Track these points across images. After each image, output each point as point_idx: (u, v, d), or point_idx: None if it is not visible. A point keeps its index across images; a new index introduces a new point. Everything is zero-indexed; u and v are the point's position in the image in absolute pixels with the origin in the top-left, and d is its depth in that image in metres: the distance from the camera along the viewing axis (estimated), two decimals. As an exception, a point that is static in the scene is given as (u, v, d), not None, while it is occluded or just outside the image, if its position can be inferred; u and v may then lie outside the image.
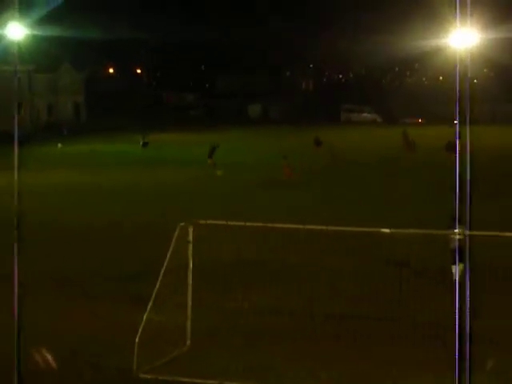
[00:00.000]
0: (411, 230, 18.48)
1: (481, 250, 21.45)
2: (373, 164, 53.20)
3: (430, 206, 35.12)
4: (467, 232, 16.36)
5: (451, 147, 45.83)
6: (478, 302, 19.27)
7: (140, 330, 16.20)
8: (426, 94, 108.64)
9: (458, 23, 15.06)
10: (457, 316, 14.13)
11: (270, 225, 18.56)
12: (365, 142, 70.48)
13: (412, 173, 48.19)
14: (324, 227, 18.06)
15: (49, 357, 11.50)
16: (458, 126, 14.03)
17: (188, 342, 17.63)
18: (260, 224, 18.73)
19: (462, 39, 16.14)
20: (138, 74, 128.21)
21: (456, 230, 16.76)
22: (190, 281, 17.83)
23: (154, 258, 21.04)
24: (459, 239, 18.35)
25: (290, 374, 16.01)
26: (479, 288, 20.73)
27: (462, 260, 18.68)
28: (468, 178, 13.71)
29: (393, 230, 17.65)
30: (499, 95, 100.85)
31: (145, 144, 70.10)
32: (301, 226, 18.73)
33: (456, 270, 18.44)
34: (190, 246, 17.74)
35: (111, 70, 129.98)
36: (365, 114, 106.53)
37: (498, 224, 22.02)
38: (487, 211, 33.21)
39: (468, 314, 14.18)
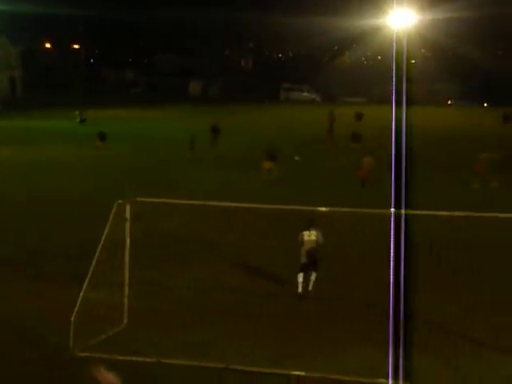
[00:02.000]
0: (347, 209, 18.59)
1: (418, 229, 21.83)
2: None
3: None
4: (403, 211, 16.61)
5: (356, 138, 46.60)
6: (414, 282, 19.64)
7: (76, 309, 16.09)
8: (366, 74, 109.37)
9: (395, 4, 15.19)
10: (391, 295, 14.30)
11: (208, 203, 18.55)
12: (296, 121, 70.61)
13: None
14: (265, 206, 18.16)
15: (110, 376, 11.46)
16: (393, 108, 14.16)
17: (125, 320, 17.56)
18: (198, 202, 18.71)
19: (400, 19, 16.32)
20: (76, 49, 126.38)
21: (392, 210, 17.01)
22: (127, 259, 17.75)
23: (92, 236, 20.86)
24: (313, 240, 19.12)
25: (228, 351, 16.05)
26: (416, 267, 21.09)
27: (315, 270, 19.54)
28: (403, 161, 13.86)
29: (329, 209, 17.77)
30: (436, 75, 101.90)
31: (82, 121, 69.32)
32: (240, 205, 18.80)
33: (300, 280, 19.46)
34: (128, 224, 17.64)
35: (48, 45, 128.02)
36: (304, 93, 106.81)
37: (432, 203, 22.23)
38: (422, 191, 33.76)
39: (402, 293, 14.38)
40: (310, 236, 19.76)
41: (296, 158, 43.55)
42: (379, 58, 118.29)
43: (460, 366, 15.34)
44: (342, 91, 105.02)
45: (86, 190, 34.37)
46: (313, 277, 19.79)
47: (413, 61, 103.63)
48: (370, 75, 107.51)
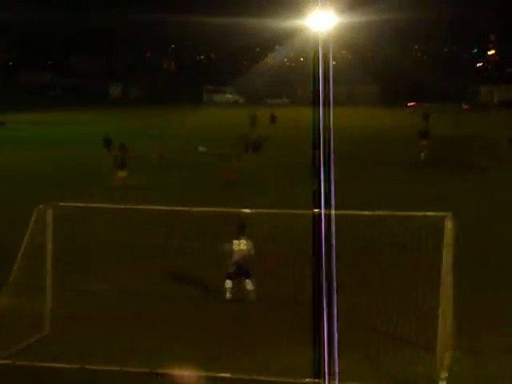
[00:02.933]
0: (272, 210, 18.63)
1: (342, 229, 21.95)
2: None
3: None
4: (332, 212, 16.73)
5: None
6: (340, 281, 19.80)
7: (-3, 315, 15.77)
8: (288, 75, 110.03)
9: (316, 5, 15.30)
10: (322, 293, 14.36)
11: (131, 206, 18.37)
12: (217, 123, 70.64)
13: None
14: (187, 208, 18.04)
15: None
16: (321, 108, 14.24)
17: (47, 327, 17.27)
18: (121, 206, 18.52)
19: (321, 21, 16.43)
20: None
21: (316, 210, 17.11)
22: (48, 264, 17.44)
23: (11, 242, 20.46)
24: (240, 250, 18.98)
25: (153, 356, 15.93)
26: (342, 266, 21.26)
27: (246, 276, 19.27)
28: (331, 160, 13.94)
29: (254, 210, 17.78)
30: (356, 77, 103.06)
31: (1, 124, 68.25)
32: (164, 208, 18.64)
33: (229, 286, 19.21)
34: (49, 229, 17.33)
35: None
36: (227, 95, 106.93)
37: (358, 203, 22.43)
38: (347, 191, 34.11)
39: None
40: (240, 245, 19.26)
41: (200, 149, 42.87)
42: (301, 59, 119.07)
43: (383, 364, 15.49)
44: (266, 93, 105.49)
45: (5, 195, 33.73)
46: (249, 285, 19.22)
47: (333, 62, 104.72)
48: (292, 76, 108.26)
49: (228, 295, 19.31)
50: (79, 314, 18.49)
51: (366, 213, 17.43)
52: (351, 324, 17.29)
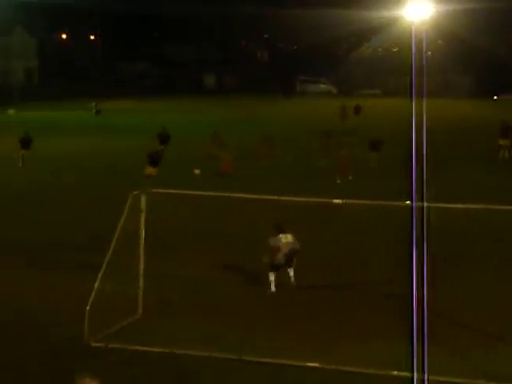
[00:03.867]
0: (363, 201, 18.54)
1: (436, 222, 21.62)
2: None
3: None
4: (425, 204, 16.56)
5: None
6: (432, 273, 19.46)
7: (91, 299, 16.11)
8: (382, 65, 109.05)
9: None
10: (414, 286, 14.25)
11: (222, 194, 18.50)
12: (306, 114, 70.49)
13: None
14: (275, 197, 18.13)
15: None
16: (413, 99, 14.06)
17: (139, 311, 17.58)
18: (215, 193, 18.68)
19: (417, 10, 16.22)
20: (91, 41, 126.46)
21: (407, 202, 16.97)
22: (141, 250, 17.75)
23: (106, 227, 20.91)
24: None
25: (242, 344, 16.05)
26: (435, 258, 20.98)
27: (289, 265, 19.62)
28: (424, 151, 13.77)
29: (345, 201, 17.73)
30: (451, 67, 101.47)
31: (97, 112, 69.56)
32: (253, 196, 18.76)
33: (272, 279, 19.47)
34: (143, 215, 17.62)
35: (64, 36, 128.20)
36: (320, 85, 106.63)
37: (448, 195, 22.13)
38: (438, 184, 33.68)
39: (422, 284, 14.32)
40: (287, 238, 19.78)
41: (196, 171, 36.93)
42: (395, 49, 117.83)
43: (474, 360, 15.27)
44: (358, 83, 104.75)
45: (98, 182, 34.41)
46: (291, 272, 19.79)
47: (428, 52, 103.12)
48: (385, 67, 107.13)
49: (273, 288, 19.50)
50: (170, 299, 18.77)
51: (460, 206, 17.19)
52: (441, 317, 17.12)
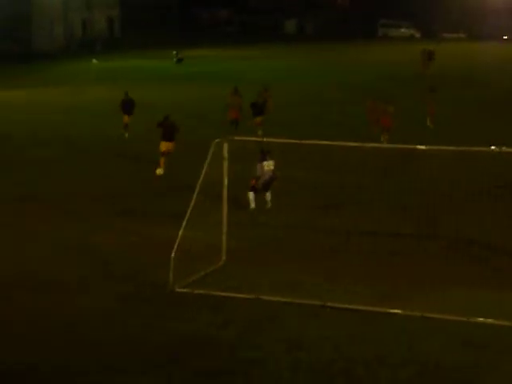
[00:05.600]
0: (447, 147, 18.27)
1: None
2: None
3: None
4: (504, 149, 16.29)
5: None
6: None
7: (175, 246, 16.33)
8: (467, 9, 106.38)
9: None
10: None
11: (309, 141, 18.41)
12: (390, 59, 69.35)
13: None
14: (360, 144, 17.99)
15: None
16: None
17: (223, 258, 17.77)
18: (296, 141, 18.60)
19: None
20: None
21: (492, 147, 16.71)
22: (224, 197, 17.86)
23: (188, 175, 21.13)
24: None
25: (325, 290, 16.12)
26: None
27: (266, 189, 22.13)
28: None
29: (428, 147, 17.51)
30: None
31: (179, 60, 69.78)
32: (336, 143, 18.62)
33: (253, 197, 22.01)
34: (226, 163, 17.68)
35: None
36: (402, 30, 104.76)
37: None
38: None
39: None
40: (269, 166, 22.14)
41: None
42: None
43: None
44: (442, 27, 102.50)
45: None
46: (268, 197, 22.25)
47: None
48: (471, 10, 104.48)
49: (253, 205, 21.93)
50: (253, 247, 18.93)
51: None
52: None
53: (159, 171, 26.17)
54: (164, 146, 26.57)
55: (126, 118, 33.77)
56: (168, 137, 26.55)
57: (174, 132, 26.70)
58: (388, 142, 29.40)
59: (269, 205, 22.26)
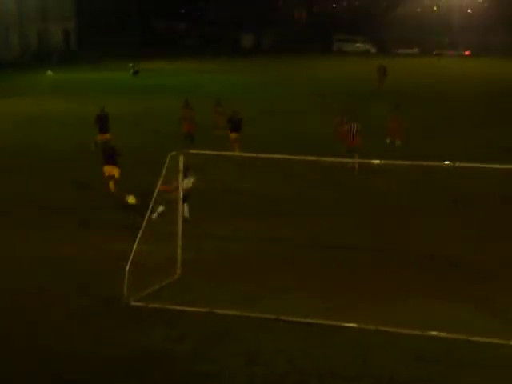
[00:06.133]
0: (401, 162, 18.41)
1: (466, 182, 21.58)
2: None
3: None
4: (457, 163, 16.46)
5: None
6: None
7: (130, 259, 16.24)
8: (420, 25, 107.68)
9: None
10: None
11: (264, 155, 18.44)
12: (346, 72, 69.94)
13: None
14: (315, 158, 18.04)
15: None
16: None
17: (179, 271, 17.71)
18: (253, 155, 18.62)
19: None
20: (128, 1, 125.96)
21: (446, 162, 16.87)
22: (180, 210, 17.84)
23: (144, 188, 21.07)
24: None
25: (280, 303, 16.13)
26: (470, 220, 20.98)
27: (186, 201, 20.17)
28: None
29: (382, 162, 17.62)
30: (492, 26, 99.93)
31: (135, 72, 69.60)
32: (295, 157, 18.69)
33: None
34: (181, 175, 17.71)
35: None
36: (358, 44, 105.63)
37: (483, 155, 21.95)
38: (474, 142, 33.43)
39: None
40: (188, 184, 20.64)
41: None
42: (435, 8, 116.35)
43: (501, 315, 15.22)
44: (397, 42, 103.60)
45: (133, 143, 34.46)
46: (186, 208, 21.15)
47: (469, 10, 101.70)
48: (424, 26, 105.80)
49: (155, 215, 19.70)
50: (208, 259, 18.89)
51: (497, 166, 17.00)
52: (480, 277, 17.10)
53: (131, 200, 23.30)
54: (106, 170, 25.49)
55: (103, 136, 31.84)
56: (109, 161, 25.44)
57: (115, 156, 25.43)
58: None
59: (187, 215, 21.20)
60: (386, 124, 34.73)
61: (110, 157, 25.53)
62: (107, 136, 31.79)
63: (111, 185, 25.41)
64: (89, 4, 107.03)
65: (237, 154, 19.69)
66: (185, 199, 20.59)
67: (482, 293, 16.46)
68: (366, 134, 30.19)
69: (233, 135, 32.06)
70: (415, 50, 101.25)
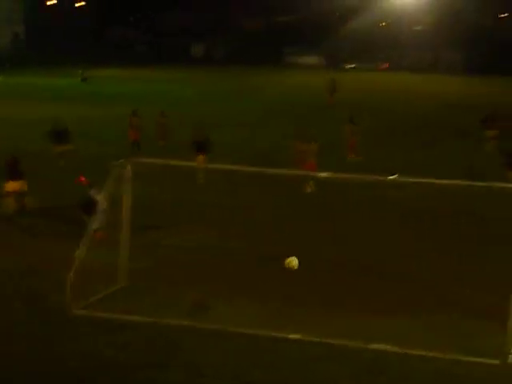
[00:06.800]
0: (346, 175, 18.53)
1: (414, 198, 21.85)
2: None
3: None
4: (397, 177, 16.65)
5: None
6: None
7: (74, 267, 16.08)
8: (371, 40, 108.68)
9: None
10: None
11: (213, 166, 18.47)
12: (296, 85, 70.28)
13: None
14: (261, 169, 18.12)
15: None
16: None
17: (124, 279, 17.58)
18: (202, 165, 18.63)
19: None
20: (80, 7, 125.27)
21: (391, 177, 17.04)
22: (125, 218, 17.71)
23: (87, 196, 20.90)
24: None
25: (226, 315, 16.08)
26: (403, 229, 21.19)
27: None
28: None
29: (330, 175, 17.71)
30: (441, 43, 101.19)
31: (84, 79, 69.19)
32: (240, 168, 18.75)
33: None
34: (128, 184, 17.58)
35: (52, 2, 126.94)
36: (308, 57, 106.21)
37: (430, 171, 22.11)
38: (422, 158, 33.74)
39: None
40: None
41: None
42: (383, 24, 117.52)
43: (450, 334, 15.37)
44: (347, 56, 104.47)
45: (81, 151, 34.16)
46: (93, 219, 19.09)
47: (418, 27, 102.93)
48: (374, 41, 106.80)
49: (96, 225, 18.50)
50: (154, 268, 18.79)
51: (445, 182, 17.22)
52: (415, 291, 17.28)
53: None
54: (11, 186, 23.45)
55: (60, 148, 31.19)
56: (14, 176, 23.48)
57: (18, 168, 23.66)
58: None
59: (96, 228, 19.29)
60: (344, 139, 34.49)
61: (15, 171, 23.57)
62: (68, 147, 31.24)
63: (11, 202, 23.40)
64: (40, 8, 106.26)
65: (185, 163, 19.57)
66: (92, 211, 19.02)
67: (429, 306, 16.60)
68: (323, 149, 29.66)
69: (199, 158, 27.46)
70: (355, 65, 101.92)
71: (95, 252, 16.72)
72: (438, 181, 16.38)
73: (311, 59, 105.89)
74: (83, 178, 18.84)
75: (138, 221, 20.76)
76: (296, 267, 17.40)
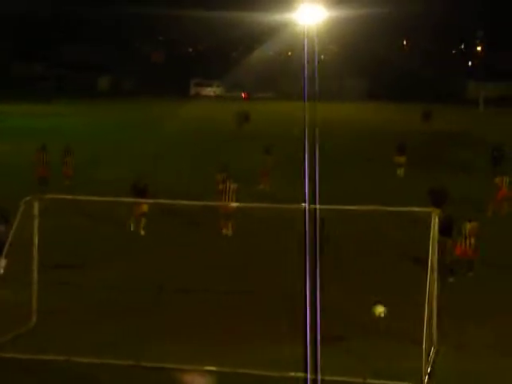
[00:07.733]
0: (260, 205, 18.69)
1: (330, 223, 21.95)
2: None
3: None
4: (314, 206, 16.81)
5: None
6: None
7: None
8: (275, 69, 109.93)
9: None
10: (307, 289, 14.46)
11: (116, 199, 18.34)
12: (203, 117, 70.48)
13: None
14: (171, 201, 18.10)
15: None
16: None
17: (34, 319, 17.27)
18: (109, 199, 18.49)
19: (310, 15, 16.44)
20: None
21: (303, 204, 17.20)
22: (35, 256, 17.42)
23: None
24: None
25: (139, 350, 15.95)
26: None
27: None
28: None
29: (241, 204, 17.85)
30: (345, 71, 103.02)
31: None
32: (155, 201, 18.69)
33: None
34: (36, 221, 17.33)
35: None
36: (212, 88, 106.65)
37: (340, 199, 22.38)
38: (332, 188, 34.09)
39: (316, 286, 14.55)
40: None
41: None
42: (289, 53, 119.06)
43: (368, 358, 15.55)
44: (253, 86, 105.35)
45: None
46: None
47: (322, 56, 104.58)
48: (279, 71, 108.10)
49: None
50: (66, 307, 18.51)
51: (353, 207, 17.50)
52: (336, 318, 17.39)
53: None
54: None
55: None
56: None
57: None
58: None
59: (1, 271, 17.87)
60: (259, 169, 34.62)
61: None
62: None
63: None
64: None
65: (95, 198, 19.38)
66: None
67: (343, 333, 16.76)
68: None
69: (143, 207, 25.04)
70: (270, 95, 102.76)
71: (5, 292, 16.40)
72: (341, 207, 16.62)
73: (215, 90, 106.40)
74: None
75: (50, 259, 20.48)
76: (383, 315, 17.21)
